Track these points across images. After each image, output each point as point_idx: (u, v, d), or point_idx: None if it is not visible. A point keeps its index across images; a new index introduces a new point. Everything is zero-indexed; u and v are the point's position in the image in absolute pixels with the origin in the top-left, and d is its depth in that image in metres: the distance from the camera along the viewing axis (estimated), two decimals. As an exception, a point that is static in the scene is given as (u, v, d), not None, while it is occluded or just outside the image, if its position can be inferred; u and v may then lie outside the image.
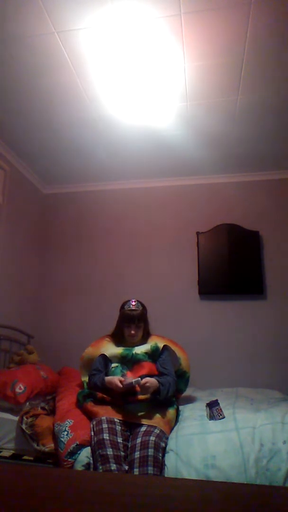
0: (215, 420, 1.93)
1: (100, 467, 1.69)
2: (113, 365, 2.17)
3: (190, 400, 2.47)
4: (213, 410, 1.97)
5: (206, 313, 3.57)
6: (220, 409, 1.98)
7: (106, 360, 2.20)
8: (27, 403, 2.32)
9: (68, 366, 3.01)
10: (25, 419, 2.14)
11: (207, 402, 2.05)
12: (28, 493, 0.97)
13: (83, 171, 3.83)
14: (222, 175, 3.83)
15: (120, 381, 1.95)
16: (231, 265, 3.55)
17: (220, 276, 3.56)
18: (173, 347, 2.36)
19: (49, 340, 3.68)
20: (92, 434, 1.85)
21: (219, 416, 1.95)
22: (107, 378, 2.05)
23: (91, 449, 1.80)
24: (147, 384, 1.94)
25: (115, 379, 1.98)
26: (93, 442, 1.80)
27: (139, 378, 1.94)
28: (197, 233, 3.73)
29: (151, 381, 1.97)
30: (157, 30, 2.12)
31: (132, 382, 1.90)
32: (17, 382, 2.32)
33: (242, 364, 3.38)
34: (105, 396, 2.04)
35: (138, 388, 1.94)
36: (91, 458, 1.78)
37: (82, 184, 4.10)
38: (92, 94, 2.66)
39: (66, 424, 1.96)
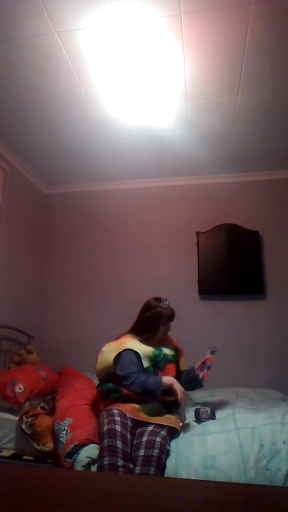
0: (201, 421, 1.92)
1: (107, 458, 1.65)
2: (144, 366, 2.06)
3: (190, 400, 2.46)
4: (199, 411, 1.98)
5: (206, 313, 3.57)
6: (205, 410, 1.98)
7: (139, 360, 2.08)
8: (27, 403, 2.32)
9: (68, 366, 3.01)
10: (25, 418, 2.14)
11: (197, 407, 2.05)
12: (28, 493, 0.97)
13: (83, 171, 3.83)
14: (222, 175, 3.83)
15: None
16: (231, 265, 3.55)
17: (220, 276, 3.56)
18: (178, 347, 2.37)
19: (49, 340, 3.68)
20: (102, 424, 1.81)
21: (205, 415, 1.95)
22: (166, 380, 1.97)
23: (100, 437, 1.75)
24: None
25: (175, 380, 1.99)
26: (102, 431, 1.76)
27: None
28: (197, 233, 3.73)
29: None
30: (157, 30, 2.12)
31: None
32: (17, 382, 2.32)
33: (242, 364, 3.38)
34: (131, 393, 1.97)
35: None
36: (91, 458, 1.77)
37: (82, 184, 4.10)
38: (92, 94, 2.66)
39: (66, 423, 1.95)
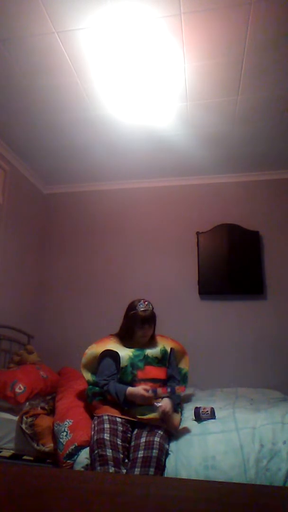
0: (201, 421, 1.92)
1: (98, 468, 1.67)
2: (122, 365, 2.08)
3: (189, 400, 2.46)
4: (199, 410, 1.97)
5: (206, 313, 3.57)
6: (205, 409, 1.97)
7: (116, 362, 2.10)
8: (27, 403, 2.32)
9: (68, 366, 3.01)
10: (25, 418, 2.14)
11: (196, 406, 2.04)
12: (28, 493, 0.97)
13: (83, 171, 3.83)
14: (222, 175, 3.83)
15: (145, 390, 1.91)
16: (231, 265, 3.55)
17: (220, 276, 3.56)
18: (176, 347, 2.36)
19: (49, 340, 3.68)
20: (92, 432, 1.83)
21: (205, 415, 1.94)
22: (130, 391, 1.93)
23: (90, 448, 1.78)
24: (168, 410, 1.88)
25: (140, 390, 1.91)
26: (92, 441, 1.78)
27: (159, 404, 1.90)
28: (197, 233, 3.73)
29: (166, 404, 1.91)
30: (157, 30, 2.12)
31: (156, 400, 1.89)
32: (16, 382, 2.32)
33: (242, 364, 3.38)
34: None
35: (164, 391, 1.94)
36: (90, 460, 1.77)
37: (82, 184, 4.10)
38: (92, 94, 2.66)
39: (66, 424, 1.95)
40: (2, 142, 3.29)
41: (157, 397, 1.92)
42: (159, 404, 1.88)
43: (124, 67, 2.40)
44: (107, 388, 2.00)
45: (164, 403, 1.90)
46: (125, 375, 2.04)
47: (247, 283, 3.51)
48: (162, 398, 1.93)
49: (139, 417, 1.89)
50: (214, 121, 2.95)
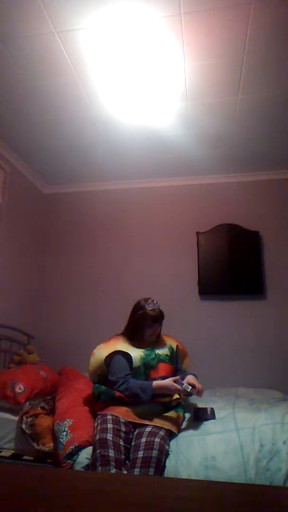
0: (201, 421, 1.92)
1: (100, 468, 1.67)
2: (135, 366, 2.07)
3: (189, 400, 2.46)
4: (199, 411, 1.98)
5: (206, 313, 3.57)
6: (205, 410, 1.98)
7: (129, 362, 2.08)
8: (27, 403, 2.32)
9: (68, 366, 3.01)
10: (25, 418, 2.14)
11: (196, 408, 2.04)
12: (28, 493, 0.97)
13: (83, 171, 3.83)
14: (222, 175, 3.83)
15: (174, 381, 1.93)
16: (231, 265, 3.55)
17: (220, 276, 3.56)
18: (180, 347, 2.37)
19: (49, 340, 3.68)
20: (95, 431, 1.82)
21: (205, 415, 1.94)
22: (158, 384, 1.95)
23: (93, 447, 1.78)
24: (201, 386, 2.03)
25: (174, 384, 1.92)
26: (94, 440, 1.78)
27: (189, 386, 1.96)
28: (197, 233, 3.73)
29: (194, 380, 2.07)
30: (157, 30, 2.12)
31: (188, 389, 1.91)
32: (16, 382, 2.32)
33: (242, 364, 3.38)
34: (123, 396, 1.98)
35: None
36: (91, 459, 1.77)
37: (82, 184, 4.10)
38: (92, 94, 2.66)
39: (66, 424, 1.95)
40: (2, 142, 3.29)
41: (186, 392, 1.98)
42: (189, 386, 1.94)
43: (124, 67, 2.39)
44: (128, 385, 1.96)
45: (192, 380, 2.05)
46: (138, 375, 2.04)
47: (247, 283, 3.51)
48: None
49: (140, 418, 1.89)
50: (214, 121, 2.94)
